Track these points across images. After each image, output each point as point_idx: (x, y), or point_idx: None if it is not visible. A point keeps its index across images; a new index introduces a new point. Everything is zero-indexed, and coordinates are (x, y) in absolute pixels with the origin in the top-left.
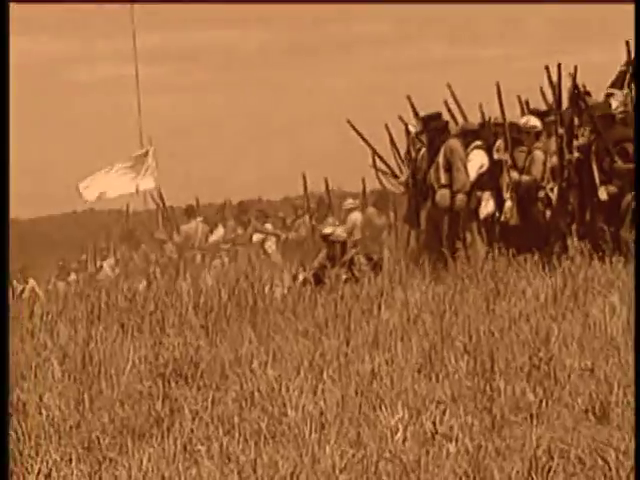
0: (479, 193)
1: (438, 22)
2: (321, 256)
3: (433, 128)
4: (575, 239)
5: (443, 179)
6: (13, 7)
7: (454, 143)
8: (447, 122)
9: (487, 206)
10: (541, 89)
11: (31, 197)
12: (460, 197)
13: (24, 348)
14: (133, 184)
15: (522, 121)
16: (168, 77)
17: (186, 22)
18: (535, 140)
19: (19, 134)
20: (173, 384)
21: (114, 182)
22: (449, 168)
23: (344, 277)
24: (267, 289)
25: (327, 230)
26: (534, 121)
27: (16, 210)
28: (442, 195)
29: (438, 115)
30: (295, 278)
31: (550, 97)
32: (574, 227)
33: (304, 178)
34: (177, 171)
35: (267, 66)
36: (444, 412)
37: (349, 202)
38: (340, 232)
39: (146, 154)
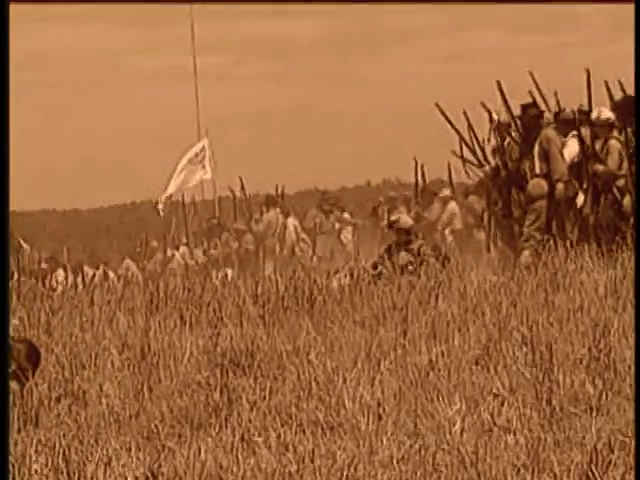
0: (576, 181)
1: (492, 11)
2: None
3: (529, 116)
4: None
5: (538, 168)
6: None
7: (550, 132)
8: (543, 111)
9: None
10: (605, 82)
11: (90, 187)
12: (560, 187)
13: (84, 337)
14: (192, 177)
15: (594, 115)
16: (226, 68)
17: (243, 13)
18: (610, 131)
19: (82, 126)
20: (231, 374)
21: (178, 181)
22: (545, 157)
23: (401, 265)
24: (324, 279)
25: (393, 217)
26: (607, 113)
27: (75, 201)
28: (535, 184)
29: (534, 103)
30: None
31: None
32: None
33: (416, 163)
34: (232, 161)
35: (323, 57)
36: (502, 404)
37: (445, 192)
38: (406, 219)
39: (202, 147)
